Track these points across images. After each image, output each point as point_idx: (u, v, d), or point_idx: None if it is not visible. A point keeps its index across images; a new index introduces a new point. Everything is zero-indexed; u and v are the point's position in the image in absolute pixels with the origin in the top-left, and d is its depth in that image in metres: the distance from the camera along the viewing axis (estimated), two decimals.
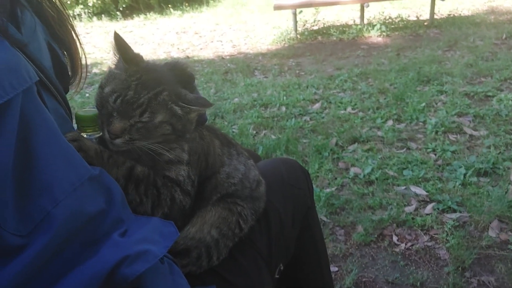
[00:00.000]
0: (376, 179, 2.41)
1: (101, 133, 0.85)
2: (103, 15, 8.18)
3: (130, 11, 8.48)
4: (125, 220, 0.70)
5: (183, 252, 0.88)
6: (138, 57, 0.88)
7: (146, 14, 8.29)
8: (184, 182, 0.89)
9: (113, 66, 0.90)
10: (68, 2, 7.90)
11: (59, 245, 0.60)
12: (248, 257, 1.00)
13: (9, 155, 0.55)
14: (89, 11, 8.11)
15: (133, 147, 0.84)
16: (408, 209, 2.15)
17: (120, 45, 0.86)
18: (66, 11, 0.89)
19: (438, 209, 2.11)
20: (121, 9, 8.26)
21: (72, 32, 0.90)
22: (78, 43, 0.91)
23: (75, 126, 0.87)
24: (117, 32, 0.89)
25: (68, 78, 0.92)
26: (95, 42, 6.67)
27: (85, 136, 0.84)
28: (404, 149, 2.74)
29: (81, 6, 8.03)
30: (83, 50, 0.93)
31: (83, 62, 0.95)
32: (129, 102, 0.81)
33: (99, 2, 7.97)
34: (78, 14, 8.13)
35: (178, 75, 0.94)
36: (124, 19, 8.20)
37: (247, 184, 1.01)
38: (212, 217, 0.93)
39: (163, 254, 0.69)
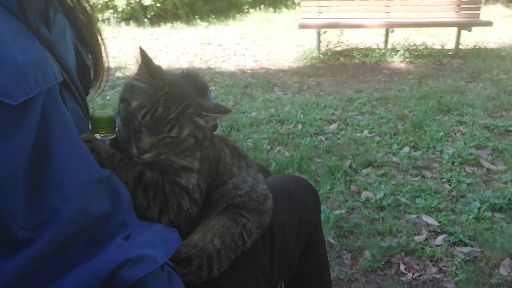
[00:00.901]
0: (388, 205, 2.38)
1: (114, 135, 0.87)
2: (131, 21, 8.36)
3: (157, 19, 8.65)
4: (129, 224, 0.71)
5: (184, 260, 0.88)
6: (161, 70, 0.88)
7: (173, 23, 8.44)
8: (192, 190, 0.89)
9: (134, 79, 0.89)
10: (99, 6, 8.11)
11: (64, 242, 0.60)
12: (249, 271, 0.99)
13: (27, 151, 0.56)
14: (118, 16, 8.31)
15: (156, 160, 0.85)
16: (418, 238, 2.10)
17: (146, 59, 0.85)
18: (95, 16, 0.91)
19: (449, 241, 2.06)
20: (149, 16, 8.44)
21: (99, 37, 0.92)
22: (103, 48, 0.93)
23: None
24: (142, 45, 0.89)
25: (90, 81, 0.94)
26: (121, 46, 6.81)
27: (98, 137, 0.85)
28: (419, 177, 2.70)
29: (111, 11, 8.22)
30: (107, 54, 0.95)
31: (106, 66, 0.97)
32: (159, 118, 0.81)
33: (129, 8, 8.15)
34: (107, 18, 8.33)
35: (193, 84, 0.95)
36: (151, 27, 8.36)
37: (254, 197, 1.01)
38: (216, 226, 0.92)
39: (164, 261, 0.69)
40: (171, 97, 0.83)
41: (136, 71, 0.90)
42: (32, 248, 0.57)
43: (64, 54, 0.77)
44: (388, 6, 5.98)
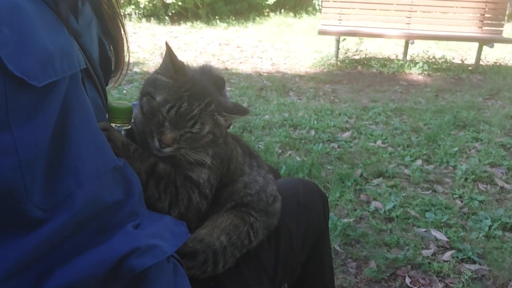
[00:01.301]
0: (397, 216, 2.36)
1: (129, 126, 0.88)
2: (152, 18, 8.44)
3: (178, 18, 8.72)
4: (139, 214, 0.72)
5: (190, 254, 0.88)
6: (184, 66, 0.90)
7: (193, 22, 8.50)
8: (203, 185, 0.90)
9: (158, 73, 0.91)
10: (122, 1, 8.19)
11: (76, 226, 0.61)
12: (253, 271, 0.99)
13: (48, 133, 0.57)
14: (139, 12, 8.39)
15: (175, 154, 0.86)
16: (426, 252, 2.08)
17: (171, 54, 0.87)
18: (120, 10, 0.93)
19: (457, 257, 2.04)
20: (170, 14, 8.50)
21: (122, 30, 0.94)
22: (125, 41, 0.95)
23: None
24: (161, 42, 0.91)
25: (110, 72, 0.96)
26: (141, 42, 6.87)
27: (114, 127, 0.86)
28: (430, 191, 2.67)
29: (133, 7, 8.31)
30: (128, 48, 0.97)
31: (126, 59, 0.98)
32: (183, 113, 0.83)
33: (150, 5, 8.22)
34: (128, 14, 8.41)
35: (210, 78, 0.96)
36: (172, 24, 8.43)
37: (263, 197, 1.01)
38: (224, 223, 0.93)
39: (171, 252, 0.70)
40: (194, 94, 0.85)
41: (159, 66, 0.91)
42: (45, 229, 0.58)
43: (89, 44, 0.78)
44: (410, 17, 5.94)
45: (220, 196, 0.96)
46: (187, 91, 0.85)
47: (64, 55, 0.61)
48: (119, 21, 0.91)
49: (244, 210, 0.97)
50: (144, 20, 8.40)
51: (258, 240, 0.99)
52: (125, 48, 0.94)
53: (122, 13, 0.93)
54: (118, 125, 0.87)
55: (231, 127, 1.05)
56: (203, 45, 6.96)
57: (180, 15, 8.72)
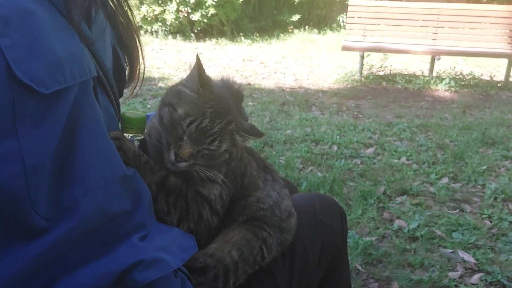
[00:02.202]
0: (421, 236, 2.27)
1: (142, 136, 0.87)
2: (178, 35, 8.59)
3: (203, 34, 8.86)
4: (147, 226, 0.70)
5: (200, 270, 0.86)
6: (210, 82, 0.89)
7: (218, 39, 8.61)
8: (214, 201, 0.88)
9: (183, 85, 0.89)
10: (148, 19, 8.39)
11: (81, 236, 0.60)
12: None
13: (54, 140, 0.57)
14: (166, 29, 8.56)
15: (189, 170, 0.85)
16: (453, 274, 1.99)
17: (200, 68, 0.85)
18: (135, 21, 0.93)
19: (485, 280, 1.94)
20: (195, 31, 8.65)
21: (137, 40, 0.94)
22: (140, 52, 0.95)
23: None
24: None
25: (124, 82, 0.95)
26: (166, 58, 6.99)
27: (127, 137, 0.85)
28: (457, 210, 2.57)
29: (160, 24, 8.49)
30: (143, 58, 0.97)
31: (142, 69, 0.98)
32: (203, 130, 0.82)
33: (177, 22, 8.39)
34: (155, 31, 8.60)
35: (230, 93, 0.95)
36: (197, 41, 8.57)
37: (277, 213, 0.98)
38: (235, 237, 0.90)
39: (177, 266, 0.67)
40: (217, 111, 0.84)
41: (185, 77, 0.90)
42: (48, 238, 0.56)
43: (102, 52, 0.78)
44: (436, 33, 5.85)
45: (233, 210, 0.93)
46: (211, 108, 0.83)
47: (74, 62, 0.60)
48: (134, 32, 0.91)
49: (257, 224, 0.94)
50: (170, 37, 8.56)
51: (271, 257, 0.96)
52: (140, 58, 0.94)
53: (136, 24, 0.93)
54: (131, 135, 0.86)
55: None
56: (227, 61, 7.03)
57: (205, 32, 8.85)
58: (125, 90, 1.02)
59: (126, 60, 0.93)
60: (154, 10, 8.26)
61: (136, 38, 0.93)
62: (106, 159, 0.64)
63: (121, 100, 1.01)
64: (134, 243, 0.64)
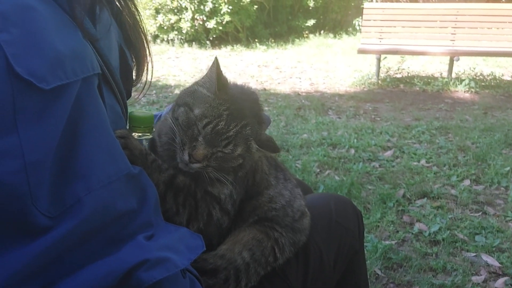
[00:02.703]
0: (443, 239, 2.20)
1: (151, 136, 0.86)
2: (193, 43, 8.66)
3: (219, 42, 8.91)
4: (154, 225, 0.68)
5: (211, 272, 0.83)
6: (227, 84, 0.88)
7: (233, 46, 8.65)
8: (224, 201, 0.85)
9: (199, 85, 0.88)
10: (164, 28, 8.49)
11: (84, 235, 0.58)
12: None
13: (55, 137, 0.56)
14: (182, 37, 8.64)
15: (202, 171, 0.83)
16: (476, 279, 1.92)
17: (218, 69, 0.85)
18: (143, 22, 0.92)
19: (510, 284, 1.86)
20: (211, 38, 8.70)
21: (144, 40, 0.93)
22: (147, 51, 0.94)
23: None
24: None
25: (132, 81, 0.95)
26: (182, 66, 7.05)
27: (136, 136, 0.84)
28: (480, 213, 2.49)
29: (176, 32, 8.57)
30: (151, 58, 0.96)
31: (150, 69, 0.97)
32: (219, 132, 0.81)
33: (192, 30, 8.46)
34: (171, 39, 8.69)
35: (247, 99, 0.92)
36: (212, 48, 8.62)
37: (289, 213, 0.95)
38: (246, 237, 0.88)
39: (184, 266, 0.65)
40: (232, 113, 0.82)
41: (201, 78, 0.89)
42: (50, 237, 0.55)
43: (107, 51, 0.77)
44: (454, 34, 5.75)
45: (243, 210, 0.91)
46: (227, 110, 0.82)
47: (76, 58, 0.59)
48: (141, 32, 0.90)
49: (268, 224, 0.92)
50: (186, 45, 8.64)
51: (284, 258, 0.93)
52: (148, 57, 0.93)
53: (145, 26, 0.92)
54: (139, 134, 0.84)
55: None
56: (242, 67, 7.04)
57: (220, 39, 8.90)
58: (133, 94, 1.01)
59: (134, 60, 0.92)
60: (170, 19, 8.35)
61: (144, 38, 0.92)
62: (109, 157, 0.63)
63: (130, 101, 1.01)
64: (139, 242, 0.63)
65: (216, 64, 0.84)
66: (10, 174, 0.52)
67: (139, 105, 4.63)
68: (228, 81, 0.89)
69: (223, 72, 0.86)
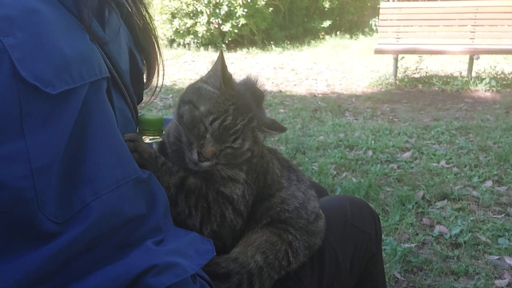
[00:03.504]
0: (465, 242, 2.14)
1: (161, 139, 0.85)
2: (209, 46, 8.70)
3: (234, 45, 8.93)
4: (163, 230, 0.67)
5: (223, 276, 0.82)
6: (232, 79, 0.87)
7: (248, 49, 8.65)
8: (237, 201, 0.84)
9: (203, 81, 0.87)
10: (181, 32, 8.55)
11: (92, 241, 0.58)
12: None
13: (62, 141, 0.55)
14: (198, 41, 8.68)
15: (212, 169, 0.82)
16: (500, 282, 1.86)
17: (223, 64, 0.84)
18: (153, 24, 0.92)
19: None
20: (226, 42, 8.72)
21: (155, 43, 0.92)
22: (158, 55, 0.93)
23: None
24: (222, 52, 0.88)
25: (143, 85, 0.94)
26: (198, 69, 7.08)
27: (148, 141, 0.83)
28: (503, 215, 2.42)
29: (191, 36, 8.62)
30: (162, 61, 0.95)
31: (161, 72, 0.97)
32: (227, 127, 0.80)
33: (208, 34, 8.50)
34: (187, 43, 8.75)
35: (251, 93, 0.92)
36: (228, 51, 8.64)
37: (303, 215, 0.93)
38: (259, 240, 0.86)
39: (194, 271, 0.64)
40: (239, 108, 0.81)
41: (205, 74, 0.88)
42: (58, 243, 0.54)
43: (117, 54, 0.77)
44: (474, 32, 5.62)
45: (256, 212, 0.89)
46: (233, 105, 0.81)
47: (82, 61, 0.59)
48: (151, 35, 0.89)
49: (282, 226, 0.90)
50: (202, 48, 8.68)
51: (298, 262, 0.91)
52: (159, 60, 0.93)
53: (155, 28, 0.91)
54: (150, 137, 0.84)
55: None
56: (258, 69, 7.03)
57: (236, 43, 8.92)
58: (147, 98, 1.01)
59: (144, 63, 0.92)
60: (186, 23, 8.41)
61: (154, 41, 0.92)
62: (117, 161, 0.62)
63: (147, 105, 1.00)
64: (148, 247, 0.62)
65: (220, 58, 0.83)
66: (17, 179, 0.51)
67: (155, 109, 4.67)
68: (232, 76, 0.87)
69: (227, 67, 0.85)
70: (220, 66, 0.83)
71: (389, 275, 1.91)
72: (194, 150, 0.80)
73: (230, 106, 0.81)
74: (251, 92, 0.91)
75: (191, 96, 0.84)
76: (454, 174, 2.94)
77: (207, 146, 0.79)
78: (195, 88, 0.86)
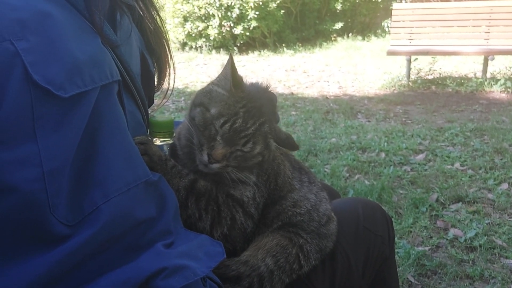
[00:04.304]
0: (480, 246, 2.11)
1: (172, 141, 0.85)
2: (221, 49, 8.73)
3: (246, 47, 8.94)
4: (173, 233, 0.67)
5: (234, 279, 0.81)
6: (243, 81, 0.87)
7: (260, 51, 8.66)
8: (247, 204, 0.84)
9: (214, 84, 0.88)
10: (193, 35, 8.60)
11: (102, 243, 0.58)
12: None
13: (73, 144, 0.55)
14: (209, 44, 8.72)
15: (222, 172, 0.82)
16: None
17: (232, 67, 0.84)
18: (164, 27, 0.92)
19: None
20: (238, 45, 8.74)
21: (166, 46, 0.93)
22: (169, 58, 0.93)
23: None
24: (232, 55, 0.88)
25: (153, 88, 0.94)
26: (210, 72, 7.10)
27: (159, 143, 0.84)
28: None
29: (203, 39, 8.66)
30: (173, 64, 0.95)
31: (172, 76, 0.97)
32: (237, 130, 0.80)
33: (220, 37, 8.53)
34: (199, 46, 8.79)
35: (263, 97, 0.91)
36: (240, 54, 8.66)
37: (315, 217, 0.92)
38: (269, 243, 0.85)
39: (204, 274, 0.64)
40: (250, 111, 0.81)
41: (216, 77, 0.89)
42: (69, 245, 0.55)
43: (128, 57, 0.77)
44: (488, 32, 5.55)
45: (267, 215, 0.89)
46: (243, 107, 0.81)
47: (94, 65, 0.59)
48: (163, 38, 0.90)
49: (292, 230, 0.89)
50: (214, 51, 8.71)
51: (309, 265, 0.90)
52: (170, 63, 0.93)
53: (166, 30, 0.92)
54: (160, 139, 0.84)
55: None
56: (270, 72, 7.03)
57: (248, 45, 8.93)
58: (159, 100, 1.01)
59: (155, 66, 0.92)
60: (198, 26, 8.45)
61: (165, 44, 0.92)
62: (128, 164, 0.62)
63: (159, 108, 1.01)
64: (158, 250, 0.62)
65: (230, 61, 0.83)
66: (29, 182, 0.51)
67: (168, 111, 4.69)
68: (243, 79, 0.87)
69: (237, 69, 0.85)
70: (230, 69, 0.83)
71: (403, 278, 1.88)
72: (204, 151, 0.80)
73: (240, 108, 0.81)
74: (264, 96, 0.91)
75: (203, 98, 0.85)
76: (469, 177, 2.90)
77: (218, 148, 0.79)
78: (206, 91, 0.87)
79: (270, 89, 0.95)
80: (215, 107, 0.81)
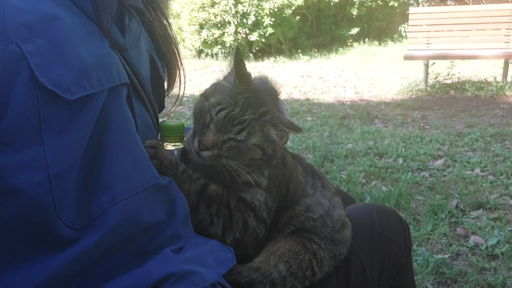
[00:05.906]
0: (502, 253, 2.04)
1: (182, 145, 0.84)
2: None
3: (262, 54, 8.96)
4: (182, 238, 0.66)
5: (245, 285, 0.80)
6: (249, 76, 0.87)
7: (276, 57, 8.67)
8: (259, 208, 0.82)
9: (221, 78, 0.89)
10: (209, 42, 8.66)
11: (110, 247, 0.57)
12: None
13: (81, 147, 0.55)
14: (225, 51, 8.78)
15: (217, 163, 0.81)
16: None
17: (239, 60, 0.84)
18: (173, 32, 0.92)
19: None
20: (254, 51, 8.78)
21: (175, 51, 0.93)
22: (179, 62, 0.93)
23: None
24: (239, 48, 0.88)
25: (164, 92, 0.94)
26: None
27: (170, 147, 0.83)
28: None
29: (219, 46, 8.73)
30: (183, 69, 0.95)
31: (183, 80, 0.97)
32: (232, 117, 0.79)
33: (236, 44, 8.58)
34: (215, 53, 8.85)
35: (267, 90, 0.91)
36: (255, 61, 8.68)
37: (328, 223, 0.90)
38: (282, 248, 0.83)
39: (213, 280, 0.62)
40: (250, 102, 0.81)
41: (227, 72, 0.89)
42: (75, 249, 0.54)
43: (137, 60, 0.77)
44: (508, 35, 5.43)
45: (279, 220, 0.87)
46: (244, 98, 0.81)
47: (101, 68, 0.59)
48: (172, 43, 0.90)
49: (306, 235, 0.87)
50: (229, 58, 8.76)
51: (323, 272, 0.88)
52: (179, 67, 0.93)
53: (175, 35, 0.92)
54: (171, 144, 0.83)
55: (288, 142, 0.98)
56: (285, 78, 7.02)
57: (263, 52, 8.96)
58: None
59: (165, 71, 0.92)
60: (214, 34, 8.51)
61: (175, 49, 0.92)
62: (135, 167, 0.62)
63: (174, 115, 1.00)
64: (166, 255, 0.61)
65: (236, 54, 0.83)
66: (35, 185, 0.51)
67: (183, 118, 4.72)
68: (251, 75, 0.87)
69: (245, 64, 0.84)
70: (235, 62, 0.83)
71: (421, 287, 1.83)
72: (196, 138, 0.80)
73: (240, 99, 0.80)
74: (265, 89, 0.90)
75: (207, 90, 0.86)
76: (490, 183, 2.82)
77: (208, 134, 0.78)
78: (213, 84, 0.88)
79: (273, 82, 0.95)
80: (215, 97, 0.82)
